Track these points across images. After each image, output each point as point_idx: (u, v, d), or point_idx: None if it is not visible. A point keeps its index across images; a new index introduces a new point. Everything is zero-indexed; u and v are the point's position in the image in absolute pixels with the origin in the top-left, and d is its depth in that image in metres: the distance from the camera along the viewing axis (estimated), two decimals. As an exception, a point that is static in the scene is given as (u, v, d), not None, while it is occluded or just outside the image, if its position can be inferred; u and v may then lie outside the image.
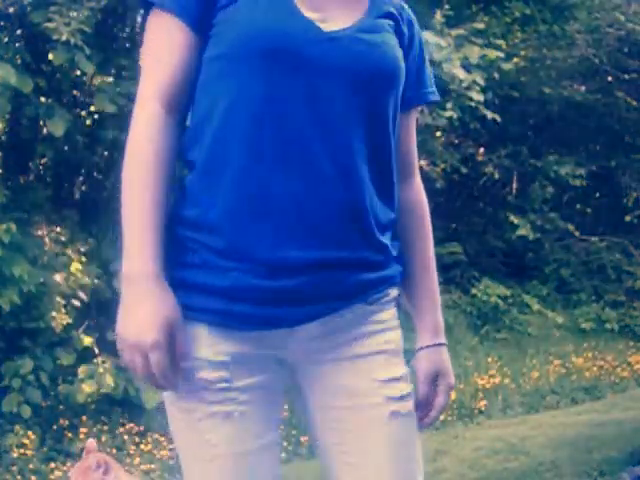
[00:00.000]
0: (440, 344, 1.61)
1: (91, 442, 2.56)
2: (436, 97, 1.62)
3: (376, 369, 1.52)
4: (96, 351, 6.54)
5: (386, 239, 1.50)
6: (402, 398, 1.54)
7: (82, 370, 6.26)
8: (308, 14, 1.40)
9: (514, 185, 11.56)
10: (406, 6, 1.58)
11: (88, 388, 6.15)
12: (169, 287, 1.40)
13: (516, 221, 10.25)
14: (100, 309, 6.82)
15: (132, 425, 6.45)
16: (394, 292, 1.55)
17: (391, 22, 1.51)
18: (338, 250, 1.42)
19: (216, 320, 1.43)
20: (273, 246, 1.39)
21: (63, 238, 6.75)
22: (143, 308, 1.37)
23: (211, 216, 1.40)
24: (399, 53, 1.48)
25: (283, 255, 1.39)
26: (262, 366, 1.48)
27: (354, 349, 1.51)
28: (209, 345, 1.44)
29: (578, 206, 12.28)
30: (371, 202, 1.45)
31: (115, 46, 7.54)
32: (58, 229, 6.81)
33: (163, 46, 1.43)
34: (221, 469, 1.47)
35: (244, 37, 1.36)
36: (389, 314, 1.55)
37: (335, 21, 1.42)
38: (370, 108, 1.43)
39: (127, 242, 1.38)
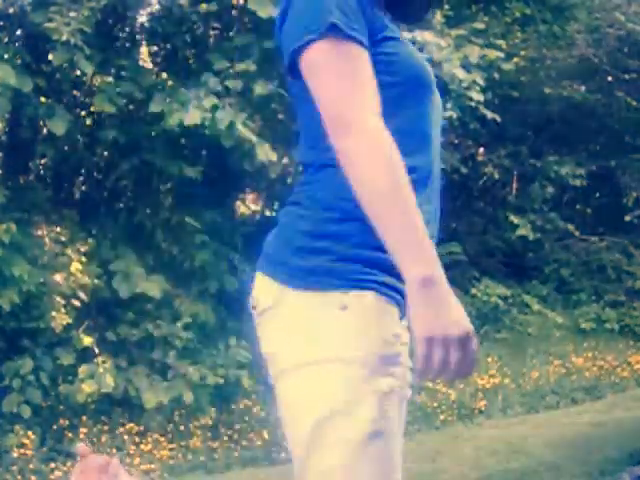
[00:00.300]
0: None
1: (82, 446, 2.53)
2: None
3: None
4: (96, 351, 6.54)
5: None
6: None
7: (82, 370, 6.26)
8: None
9: (514, 185, 11.56)
10: None
11: (88, 388, 6.15)
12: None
13: (516, 221, 10.25)
14: (100, 309, 6.83)
15: (132, 425, 6.45)
16: None
17: None
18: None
19: (400, 299, 1.53)
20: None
21: (63, 238, 6.74)
22: (454, 304, 1.46)
23: None
24: None
25: None
26: None
27: None
28: (399, 324, 1.55)
29: (578, 206, 12.28)
30: None
31: (115, 46, 7.53)
32: (58, 229, 6.80)
33: (364, 70, 1.53)
34: (391, 445, 1.50)
35: (417, 72, 1.64)
36: None
37: None
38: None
39: (419, 247, 1.44)
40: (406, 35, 7.15)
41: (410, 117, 1.61)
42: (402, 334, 1.54)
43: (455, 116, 7.73)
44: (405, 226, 1.43)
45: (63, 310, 6.36)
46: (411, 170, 1.50)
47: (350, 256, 1.50)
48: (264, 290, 1.57)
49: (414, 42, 7.13)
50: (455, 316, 1.44)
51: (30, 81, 6.10)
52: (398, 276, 1.47)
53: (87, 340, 6.49)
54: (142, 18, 7.79)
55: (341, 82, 1.49)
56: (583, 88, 10.98)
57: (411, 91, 1.62)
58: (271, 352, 1.55)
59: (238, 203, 9.66)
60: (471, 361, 1.44)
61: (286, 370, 1.51)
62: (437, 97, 1.70)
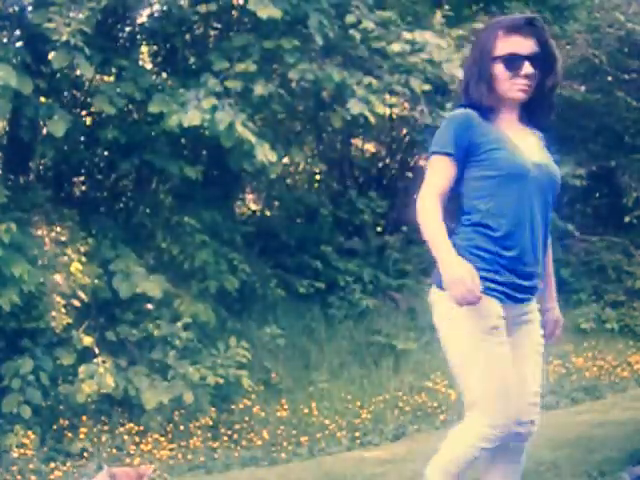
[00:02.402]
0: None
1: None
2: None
3: None
4: (96, 351, 6.54)
5: None
6: None
7: (82, 370, 6.26)
8: (527, 155, 2.72)
9: (514, 185, 11.54)
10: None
11: (88, 388, 6.15)
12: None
13: (516, 221, 10.24)
14: (100, 309, 6.82)
15: (132, 425, 6.45)
16: None
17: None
18: None
19: None
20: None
21: (63, 238, 6.74)
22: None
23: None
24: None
25: None
26: None
27: None
28: None
29: (578, 206, 12.27)
30: None
31: (115, 46, 7.53)
32: (58, 229, 6.80)
33: (437, 169, 2.78)
34: None
35: (511, 169, 2.67)
36: None
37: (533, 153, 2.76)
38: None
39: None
40: (406, 36, 7.07)
41: (503, 201, 2.64)
42: None
43: (455, 116, 7.72)
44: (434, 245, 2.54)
45: (63, 310, 6.36)
46: (507, 248, 2.63)
47: None
48: None
49: (414, 42, 7.12)
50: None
51: (30, 82, 6.09)
52: None
53: (87, 340, 6.49)
54: (142, 18, 7.78)
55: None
56: (583, 88, 10.97)
57: (505, 181, 2.64)
58: None
59: (238, 203, 9.66)
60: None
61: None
62: (536, 182, 2.67)
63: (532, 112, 2.85)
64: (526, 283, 2.67)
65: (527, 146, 2.74)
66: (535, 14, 2.92)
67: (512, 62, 2.66)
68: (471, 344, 2.61)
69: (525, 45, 2.66)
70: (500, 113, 2.74)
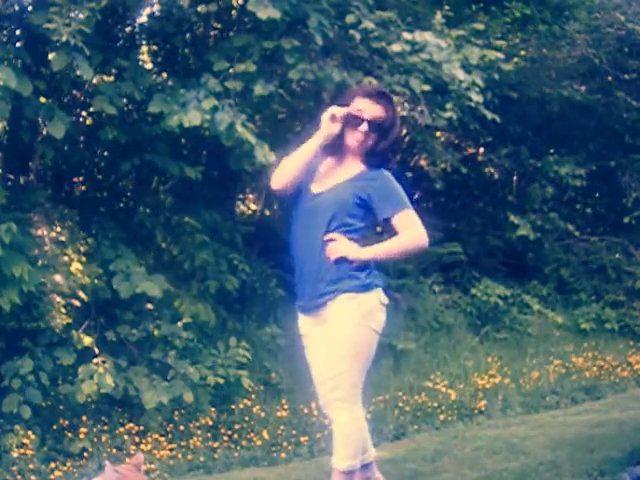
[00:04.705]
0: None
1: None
2: (388, 213, 3.42)
3: None
4: (96, 351, 6.54)
5: None
6: None
7: (82, 370, 6.26)
8: (316, 187, 3.52)
9: (514, 185, 11.56)
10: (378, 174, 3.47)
11: (88, 388, 6.15)
12: None
13: (516, 221, 10.25)
14: (100, 309, 6.83)
15: (132, 425, 6.45)
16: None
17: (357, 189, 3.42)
18: None
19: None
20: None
21: (63, 238, 6.74)
22: None
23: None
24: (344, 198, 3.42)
25: None
26: None
27: None
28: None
29: (578, 206, 12.29)
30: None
31: (115, 46, 7.53)
32: (58, 229, 6.80)
33: None
34: None
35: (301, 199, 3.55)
36: None
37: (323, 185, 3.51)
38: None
39: None
40: (406, 36, 7.08)
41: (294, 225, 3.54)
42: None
43: (455, 117, 7.73)
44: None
45: (63, 310, 6.36)
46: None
47: None
48: None
49: (414, 43, 7.13)
50: None
51: (30, 84, 6.07)
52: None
53: (87, 340, 6.49)
54: (142, 18, 7.78)
55: None
56: (583, 88, 10.98)
57: (297, 209, 3.52)
58: None
59: (238, 203, 9.66)
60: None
61: None
62: (315, 207, 3.42)
63: (370, 158, 3.47)
64: (307, 293, 3.45)
65: (329, 180, 3.47)
66: (387, 89, 3.85)
67: (355, 119, 3.40)
68: None
69: (370, 109, 3.40)
70: (346, 153, 3.48)
